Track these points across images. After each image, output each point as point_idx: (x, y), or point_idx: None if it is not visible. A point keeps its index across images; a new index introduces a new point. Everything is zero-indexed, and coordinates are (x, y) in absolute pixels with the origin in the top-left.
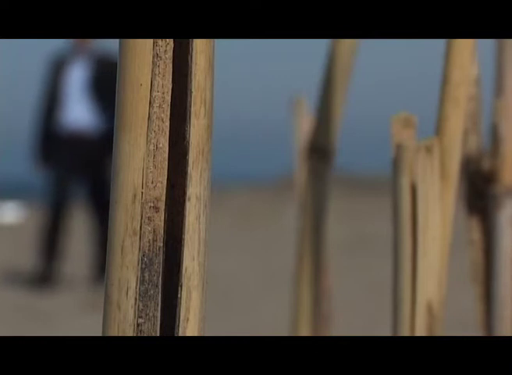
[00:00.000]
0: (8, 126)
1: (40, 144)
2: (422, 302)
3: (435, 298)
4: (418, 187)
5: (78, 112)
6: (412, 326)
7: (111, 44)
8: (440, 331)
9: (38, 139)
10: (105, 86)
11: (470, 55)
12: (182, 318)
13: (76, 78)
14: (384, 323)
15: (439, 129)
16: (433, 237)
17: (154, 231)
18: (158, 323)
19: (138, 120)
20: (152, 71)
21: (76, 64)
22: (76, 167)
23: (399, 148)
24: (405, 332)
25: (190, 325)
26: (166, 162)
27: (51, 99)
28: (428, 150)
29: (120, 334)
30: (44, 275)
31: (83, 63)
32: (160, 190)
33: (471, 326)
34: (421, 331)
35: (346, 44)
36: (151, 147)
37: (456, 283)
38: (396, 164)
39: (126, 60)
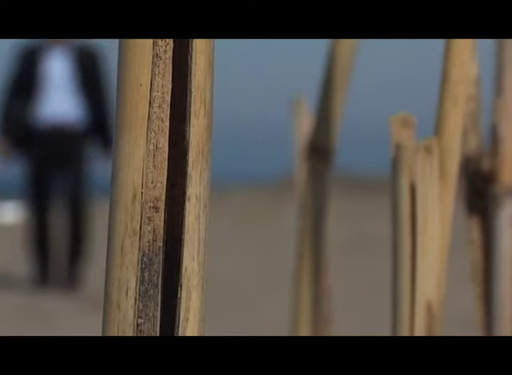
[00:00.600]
0: None
1: (12, 136)
2: (422, 302)
3: (434, 298)
4: (418, 187)
5: (60, 104)
6: (411, 326)
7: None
8: (440, 331)
9: (10, 132)
10: (89, 77)
11: (469, 55)
12: (182, 318)
13: (57, 69)
14: (384, 323)
15: (438, 128)
16: (432, 237)
17: (153, 231)
18: (158, 323)
19: (138, 120)
20: (152, 71)
21: (54, 54)
22: (57, 161)
23: (398, 148)
24: (404, 332)
25: (190, 325)
26: (166, 162)
27: (25, 90)
28: (428, 150)
29: (120, 334)
30: (41, 277)
31: (63, 54)
32: (160, 190)
33: (470, 326)
34: (420, 331)
35: (346, 44)
36: (151, 147)
37: (456, 284)
38: (395, 164)
39: (126, 60)
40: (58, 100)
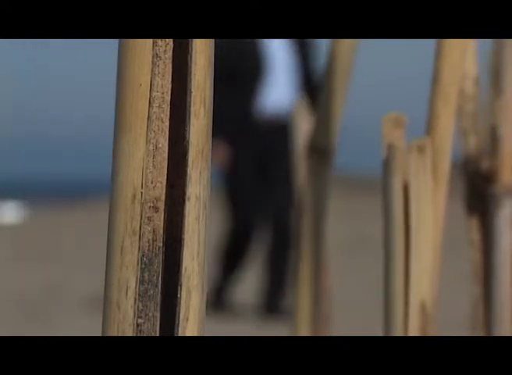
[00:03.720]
0: (10, 127)
1: (228, 136)
2: (416, 302)
3: (428, 298)
4: (411, 187)
5: (281, 94)
6: (405, 327)
7: None
8: (434, 331)
9: (227, 132)
10: (308, 69)
11: (460, 55)
12: (181, 318)
13: (281, 59)
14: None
15: (430, 128)
16: (426, 236)
17: (153, 231)
18: (158, 323)
19: (138, 120)
20: (152, 71)
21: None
22: (268, 160)
23: (391, 148)
24: (398, 332)
25: (190, 325)
26: (166, 162)
27: (244, 82)
28: (421, 150)
29: (120, 334)
30: (220, 298)
31: (285, 44)
32: (159, 190)
33: (469, 327)
34: (414, 331)
35: (346, 44)
36: (151, 147)
37: (456, 284)
38: (387, 164)
39: (126, 60)
40: (280, 90)
